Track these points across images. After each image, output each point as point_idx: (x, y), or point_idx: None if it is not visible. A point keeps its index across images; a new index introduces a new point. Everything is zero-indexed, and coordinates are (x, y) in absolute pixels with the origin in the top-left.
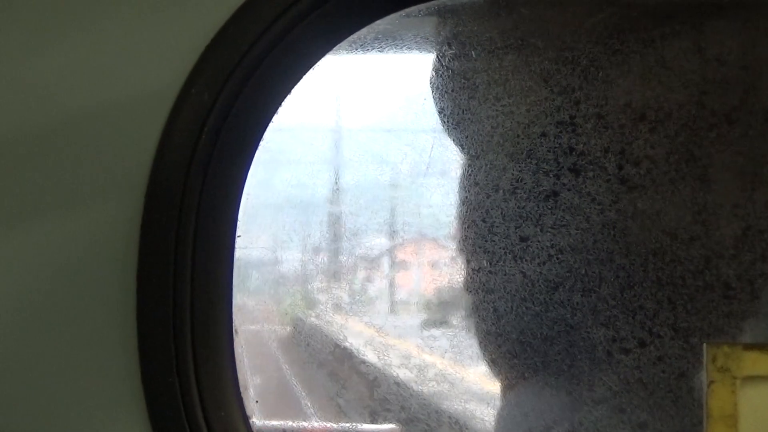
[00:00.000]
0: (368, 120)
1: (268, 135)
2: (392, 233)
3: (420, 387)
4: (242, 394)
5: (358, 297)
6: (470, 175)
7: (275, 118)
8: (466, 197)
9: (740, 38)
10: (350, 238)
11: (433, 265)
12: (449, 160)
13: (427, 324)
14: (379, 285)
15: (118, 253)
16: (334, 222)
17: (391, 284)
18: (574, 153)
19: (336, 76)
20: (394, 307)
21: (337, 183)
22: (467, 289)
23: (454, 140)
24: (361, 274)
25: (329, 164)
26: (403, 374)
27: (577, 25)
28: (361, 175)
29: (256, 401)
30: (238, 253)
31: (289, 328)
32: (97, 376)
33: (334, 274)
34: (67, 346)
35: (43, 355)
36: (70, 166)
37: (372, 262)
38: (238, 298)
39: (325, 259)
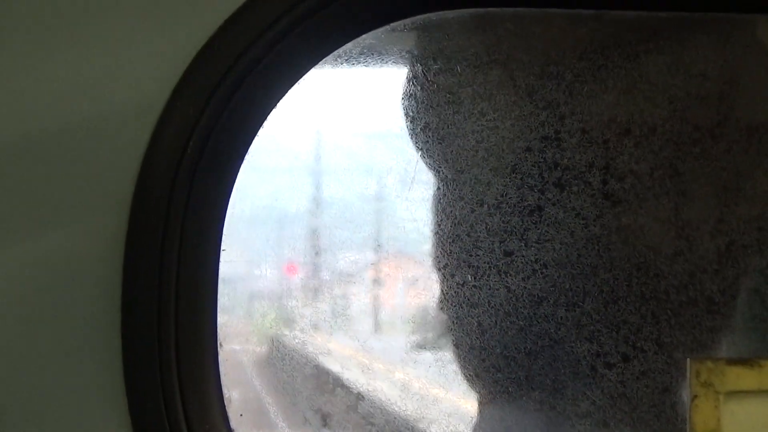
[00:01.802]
0: (352, 131)
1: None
2: (376, 247)
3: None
4: (226, 408)
5: (340, 315)
6: (454, 190)
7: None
8: (443, 213)
9: (722, 53)
10: (331, 253)
11: (418, 281)
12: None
13: (417, 346)
14: (361, 302)
15: (103, 265)
16: (314, 236)
17: (375, 302)
18: (558, 168)
19: (319, 86)
20: (378, 327)
21: (317, 195)
22: (441, 308)
23: (432, 160)
24: (342, 291)
25: (310, 175)
26: (387, 396)
27: (561, 40)
28: (343, 187)
29: (241, 415)
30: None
31: (265, 348)
32: (81, 389)
33: (315, 291)
34: (51, 358)
35: (26, 367)
36: (55, 178)
37: (354, 278)
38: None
39: (306, 274)
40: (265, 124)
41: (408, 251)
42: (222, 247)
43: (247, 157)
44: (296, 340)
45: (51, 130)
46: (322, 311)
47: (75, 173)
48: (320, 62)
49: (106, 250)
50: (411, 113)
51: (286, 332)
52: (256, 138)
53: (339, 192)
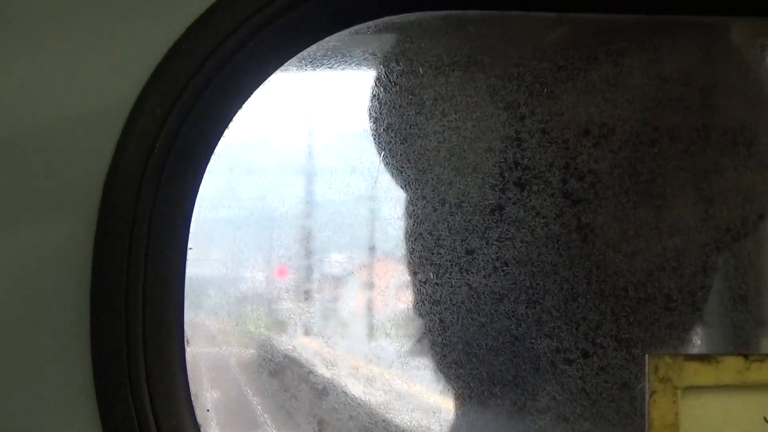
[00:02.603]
0: (342, 130)
1: (230, 145)
2: (370, 249)
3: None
4: (194, 404)
5: (331, 319)
6: (416, 189)
7: (238, 130)
8: (413, 217)
9: (684, 56)
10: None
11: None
12: None
13: (412, 352)
14: (352, 306)
15: (72, 266)
16: (304, 237)
17: (369, 305)
18: (519, 167)
19: (309, 83)
20: (372, 332)
21: (308, 195)
22: (417, 310)
23: (395, 160)
24: (332, 294)
25: (300, 174)
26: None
27: (522, 42)
28: (333, 186)
29: (207, 410)
30: (195, 270)
31: (250, 351)
32: (50, 385)
33: (305, 294)
34: (20, 356)
35: None
36: (22, 181)
37: (342, 280)
38: (194, 316)
39: (294, 277)
40: (250, 121)
41: (397, 253)
42: (189, 246)
43: (236, 157)
44: (286, 345)
45: (18, 129)
46: (312, 314)
47: (44, 175)
48: (285, 64)
49: (75, 249)
50: (374, 114)
51: (274, 335)
52: (222, 139)
53: (329, 193)
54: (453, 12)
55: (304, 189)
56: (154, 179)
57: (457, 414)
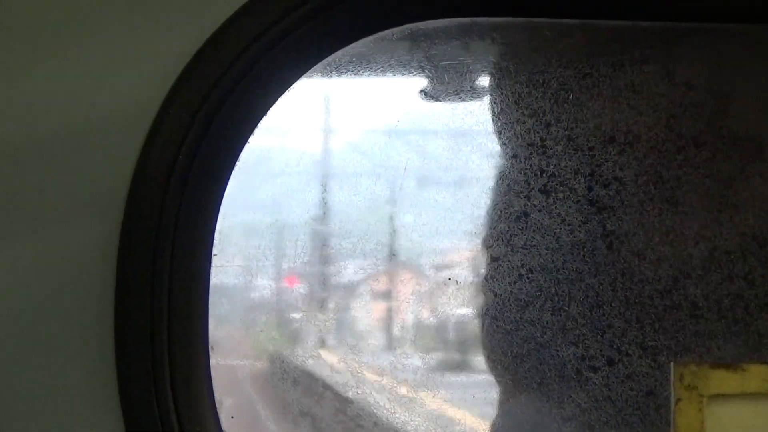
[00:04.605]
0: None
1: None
2: (391, 256)
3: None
4: (218, 410)
5: (348, 330)
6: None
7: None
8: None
9: (707, 63)
10: (337, 262)
11: (432, 293)
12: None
13: (442, 367)
14: (370, 315)
15: (97, 269)
16: (320, 243)
17: (390, 315)
18: (544, 174)
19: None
20: (391, 343)
21: (324, 199)
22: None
23: None
24: (348, 303)
25: (316, 177)
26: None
27: (547, 49)
28: (350, 189)
29: (232, 417)
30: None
31: (263, 363)
32: (75, 390)
33: (321, 303)
34: (46, 362)
35: (19, 371)
36: (49, 181)
37: (358, 289)
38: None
39: (309, 285)
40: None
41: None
42: (214, 252)
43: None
44: (299, 358)
45: (44, 134)
46: (324, 325)
47: (70, 178)
48: (310, 70)
49: (100, 254)
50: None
51: (284, 347)
52: (247, 144)
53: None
54: (478, 19)
55: (318, 195)
56: (179, 184)
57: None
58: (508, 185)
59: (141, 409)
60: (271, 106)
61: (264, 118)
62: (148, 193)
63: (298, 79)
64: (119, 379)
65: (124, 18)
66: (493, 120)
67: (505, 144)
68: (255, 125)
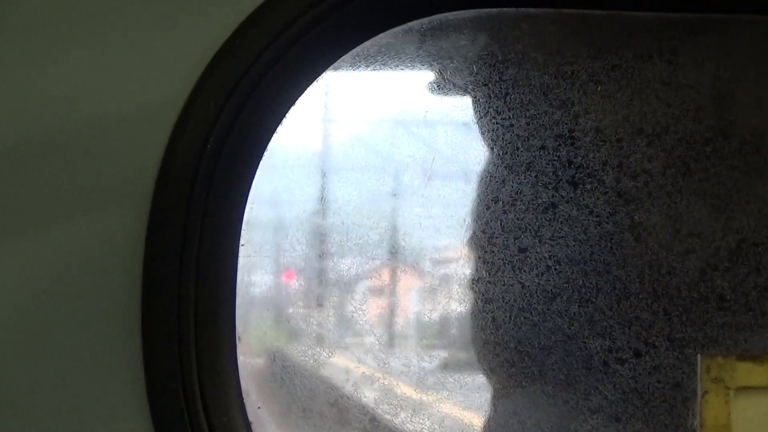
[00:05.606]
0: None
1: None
2: (394, 251)
3: None
4: (245, 401)
5: (348, 327)
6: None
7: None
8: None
9: (737, 55)
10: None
11: (435, 289)
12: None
13: (447, 366)
14: (373, 312)
15: (124, 260)
16: (320, 239)
17: (392, 311)
18: (572, 166)
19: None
20: (392, 341)
21: (323, 193)
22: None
23: None
24: (348, 299)
25: (317, 172)
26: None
27: (575, 40)
28: (352, 184)
29: (258, 407)
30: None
31: (262, 360)
32: (102, 381)
33: (318, 299)
34: (73, 350)
35: (48, 360)
36: (76, 174)
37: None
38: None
39: (308, 281)
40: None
41: (420, 257)
42: (242, 242)
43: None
44: (299, 354)
45: (73, 128)
46: (322, 321)
47: (97, 169)
48: (338, 61)
49: (128, 245)
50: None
51: (283, 343)
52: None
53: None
54: (506, 9)
55: (319, 189)
56: (207, 175)
57: (507, 412)
58: (536, 176)
59: (168, 399)
60: (299, 96)
61: (292, 109)
62: (175, 186)
63: (326, 69)
64: (146, 368)
65: (151, 12)
66: (519, 111)
67: (532, 135)
68: (282, 117)
